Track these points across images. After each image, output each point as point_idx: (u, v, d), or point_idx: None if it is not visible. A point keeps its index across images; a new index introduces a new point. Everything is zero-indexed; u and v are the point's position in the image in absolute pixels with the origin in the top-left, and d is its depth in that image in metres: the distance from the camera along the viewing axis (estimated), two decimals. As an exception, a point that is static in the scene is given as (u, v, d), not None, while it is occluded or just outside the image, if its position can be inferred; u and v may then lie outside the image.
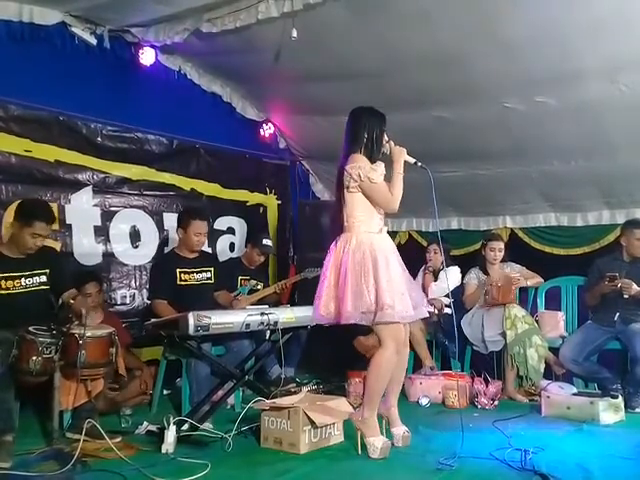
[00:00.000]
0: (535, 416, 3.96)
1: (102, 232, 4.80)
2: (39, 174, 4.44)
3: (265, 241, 5.08)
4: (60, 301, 3.64)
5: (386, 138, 3.27)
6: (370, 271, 3.05)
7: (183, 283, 4.34)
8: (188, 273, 4.37)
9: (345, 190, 3.18)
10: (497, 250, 4.96)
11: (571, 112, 4.55)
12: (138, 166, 5.04)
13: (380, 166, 3.19)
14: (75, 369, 3.13)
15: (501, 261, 4.99)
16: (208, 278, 4.48)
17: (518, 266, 5.03)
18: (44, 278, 3.59)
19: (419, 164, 3.29)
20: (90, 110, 4.70)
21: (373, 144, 3.21)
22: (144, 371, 4.36)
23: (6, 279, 3.46)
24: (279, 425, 3.23)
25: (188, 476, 2.75)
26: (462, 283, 5.12)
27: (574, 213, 5.51)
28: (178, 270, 4.33)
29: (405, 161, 3.24)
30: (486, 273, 4.98)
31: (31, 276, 3.54)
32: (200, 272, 4.43)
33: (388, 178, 3.21)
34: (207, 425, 3.55)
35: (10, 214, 4.11)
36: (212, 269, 4.52)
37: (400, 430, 3.27)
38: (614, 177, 5.02)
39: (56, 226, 4.43)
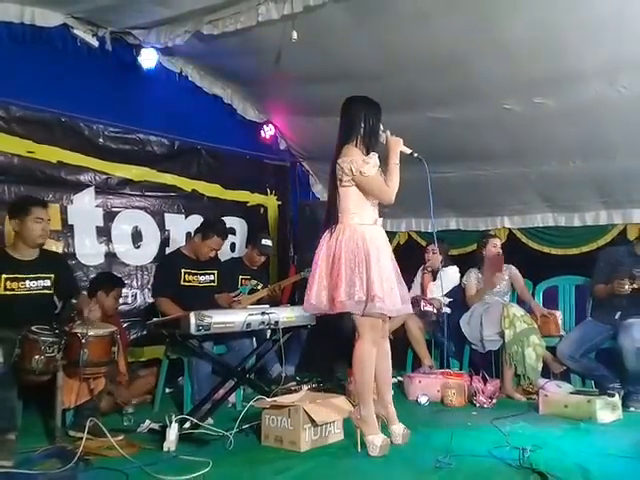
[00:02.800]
0: (533, 414, 3.97)
1: (104, 233, 4.82)
2: (41, 175, 4.47)
3: (264, 241, 5.12)
4: (61, 301, 3.68)
5: (382, 127, 3.24)
6: (363, 262, 3.05)
7: (186, 284, 4.38)
8: (192, 274, 4.41)
9: (338, 183, 3.16)
10: (498, 246, 5.02)
11: (570, 113, 4.57)
12: (140, 167, 5.06)
13: (373, 157, 3.15)
14: (78, 368, 3.17)
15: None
16: (212, 281, 4.52)
17: (515, 269, 5.05)
18: (48, 282, 3.62)
19: (415, 155, 3.26)
20: (92, 111, 4.73)
21: (370, 134, 3.18)
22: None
23: (12, 280, 3.49)
24: (280, 423, 3.25)
25: (190, 474, 2.77)
26: (460, 283, 5.15)
27: (571, 213, 5.53)
28: (183, 270, 4.36)
29: (401, 152, 3.21)
30: (483, 273, 5.01)
31: (36, 279, 3.57)
32: (204, 274, 4.46)
33: (384, 169, 3.18)
34: (207, 421, 3.58)
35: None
36: (216, 272, 4.55)
37: (399, 428, 3.28)
38: (612, 178, 5.04)
39: (58, 226, 4.49)
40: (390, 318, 3.34)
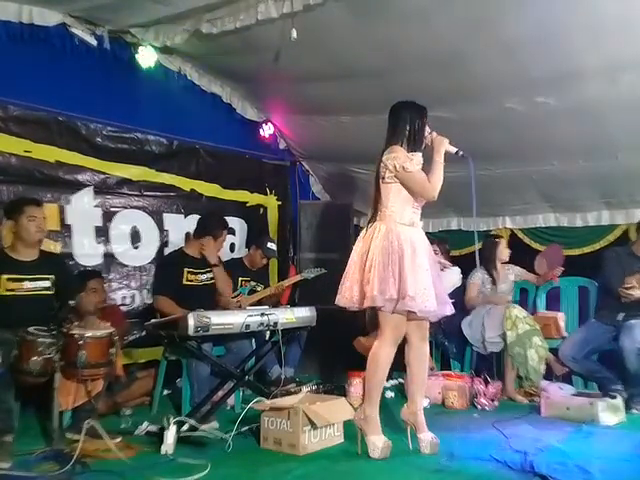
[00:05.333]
0: (535, 417, 3.95)
1: (102, 233, 4.79)
2: (39, 175, 4.44)
3: (270, 244, 5.11)
4: (59, 303, 3.66)
5: (428, 130, 3.28)
6: (396, 261, 3.05)
7: (189, 283, 4.35)
8: (195, 273, 4.39)
9: (380, 181, 3.19)
10: (507, 247, 4.99)
11: (571, 112, 4.55)
12: (138, 167, 5.03)
13: (417, 156, 3.19)
14: (75, 369, 3.15)
15: (502, 263, 5.01)
16: (212, 279, 4.48)
17: (518, 268, 5.03)
18: (48, 283, 3.61)
19: (460, 153, 3.29)
20: (90, 111, 4.71)
21: (414, 137, 3.22)
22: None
23: (12, 280, 3.49)
24: (279, 426, 3.23)
25: (188, 476, 2.75)
26: (462, 284, 5.11)
27: (574, 214, 5.51)
28: (185, 270, 4.34)
29: (446, 152, 3.24)
30: (491, 275, 4.96)
31: (35, 280, 3.56)
32: (205, 273, 4.44)
33: (428, 169, 3.22)
34: (213, 424, 3.56)
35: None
36: None
37: (428, 436, 3.19)
38: (614, 177, 5.02)
39: (56, 226, 4.47)
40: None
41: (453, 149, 3.29)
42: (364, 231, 3.25)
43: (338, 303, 3.27)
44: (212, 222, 4.55)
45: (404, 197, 3.18)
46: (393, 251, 3.07)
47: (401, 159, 3.12)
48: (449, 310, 3.28)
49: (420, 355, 3.26)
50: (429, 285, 3.09)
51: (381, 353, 3.13)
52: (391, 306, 3.06)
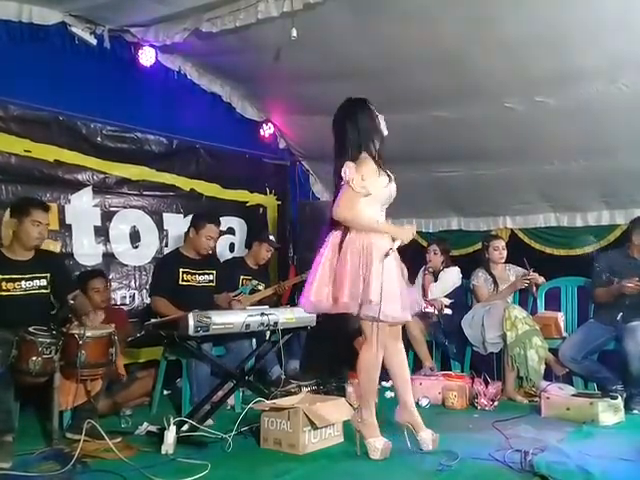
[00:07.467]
0: (535, 417, 3.94)
1: (102, 232, 4.79)
2: (39, 174, 4.44)
3: (271, 236, 5.17)
4: (59, 302, 3.65)
5: (377, 117, 3.18)
6: (365, 265, 3.02)
7: (185, 283, 4.35)
8: (191, 274, 4.38)
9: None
10: (501, 248, 4.99)
11: (571, 112, 4.55)
12: (138, 166, 5.03)
13: (382, 177, 3.10)
14: (75, 369, 3.15)
15: (501, 263, 5.00)
16: (210, 281, 4.49)
17: (518, 268, 5.03)
18: (44, 282, 3.60)
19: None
20: (90, 110, 4.71)
21: (360, 138, 3.12)
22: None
23: (7, 281, 3.47)
24: (279, 426, 3.22)
25: (188, 477, 2.75)
26: (470, 285, 5.09)
27: (574, 213, 5.52)
28: (181, 270, 4.33)
29: (394, 241, 3.12)
30: (490, 274, 4.97)
31: (31, 279, 3.55)
32: (203, 274, 4.44)
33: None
34: (208, 422, 3.56)
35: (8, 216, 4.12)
36: (214, 272, 4.52)
37: (427, 434, 3.17)
38: (614, 177, 5.02)
39: (56, 226, 4.47)
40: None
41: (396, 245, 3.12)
42: (331, 234, 3.16)
43: (304, 308, 3.22)
44: (196, 215, 4.55)
45: (370, 200, 3.10)
46: (362, 255, 3.03)
47: (352, 173, 3.02)
48: (409, 316, 3.21)
49: (397, 355, 3.24)
50: (396, 291, 3.05)
51: (369, 357, 3.12)
52: (359, 310, 3.03)
